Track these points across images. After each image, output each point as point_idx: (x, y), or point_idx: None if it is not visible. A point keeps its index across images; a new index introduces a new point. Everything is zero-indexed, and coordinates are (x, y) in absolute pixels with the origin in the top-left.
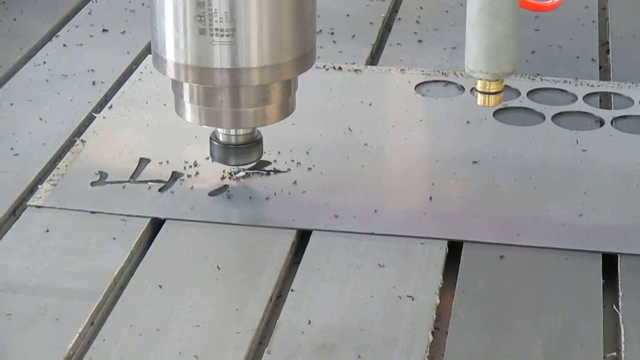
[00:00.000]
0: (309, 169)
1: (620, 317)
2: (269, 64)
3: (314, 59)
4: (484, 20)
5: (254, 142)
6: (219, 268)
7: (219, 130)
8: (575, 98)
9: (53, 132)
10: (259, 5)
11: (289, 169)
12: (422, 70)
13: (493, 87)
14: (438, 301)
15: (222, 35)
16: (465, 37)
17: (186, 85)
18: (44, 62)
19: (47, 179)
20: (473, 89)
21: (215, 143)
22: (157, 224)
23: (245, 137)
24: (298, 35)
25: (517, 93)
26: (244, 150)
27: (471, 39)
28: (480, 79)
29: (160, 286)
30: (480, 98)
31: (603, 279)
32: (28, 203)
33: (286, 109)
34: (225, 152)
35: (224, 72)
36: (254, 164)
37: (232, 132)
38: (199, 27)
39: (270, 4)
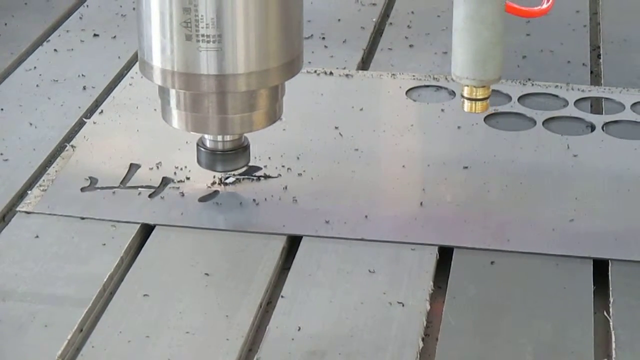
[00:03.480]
0: (300, 174)
1: (611, 323)
2: (255, 70)
3: (301, 65)
4: (471, 26)
5: (241, 149)
6: (207, 274)
7: (206, 136)
8: (566, 103)
9: (43, 137)
10: (245, 12)
11: (279, 175)
12: (413, 75)
13: (480, 94)
14: (428, 307)
15: (208, 42)
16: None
17: (173, 92)
18: (35, 67)
19: (37, 184)
20: None
21: (202, 149)
22: (147, 230)
23: (233, 143)
24: (285, 41)
25: (508, 98)
26: (231, 157)
27: (457, 46)
28: (467, 86)
29: (150, 292)
30: (467, 104)
31: (594, 284)
32: (18, 209)
33: (273, 115)
34: (213, 158)
35: (211, 78)
36: (245, 169)
37: (219, 138)
38: (186, 33)
39: (257, 11)
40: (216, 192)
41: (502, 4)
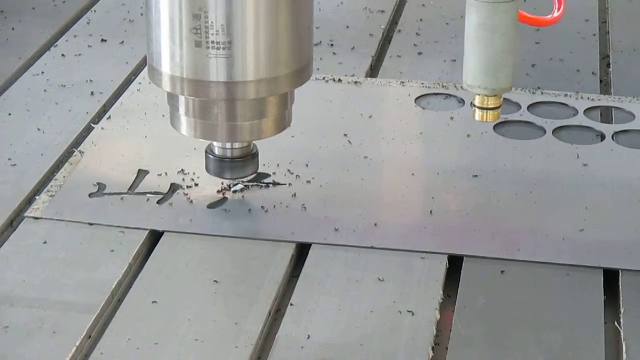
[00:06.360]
0: (308, 181)
1: (621, 333)
2: (265, 77)
3: (310, 73)
4: (483, 35)
5: (250, 156)
6: (216, 282)
7: (215, 143)
8: (575, 112)
9: (51, 143)
10: (255, 19)
11: (289, 184)
12: (422, 83)
13: (491, 103)
14: (438, 316)
15: (218, 48)
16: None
17: (182, 98)
18: (42, 72)
19: (45, 189)
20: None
21: (211, 156)
22: (155, 236)
23: (241, 150)
24: (295, 48)
25: (518, 106)
26: (240, 164)
27: (469, 54)
28: (479, 94)
29: (158, 299)
30: (478, 113)
31: (604, 294)
32: (26, 214)
33: (282, 123)
34: (221, 165)
35: (220, 85)
36: (253, 176)
37: (228, 145)
38: (195, 39)
39: (267, 17)
40: (225, 198)
41: (514, 12)
